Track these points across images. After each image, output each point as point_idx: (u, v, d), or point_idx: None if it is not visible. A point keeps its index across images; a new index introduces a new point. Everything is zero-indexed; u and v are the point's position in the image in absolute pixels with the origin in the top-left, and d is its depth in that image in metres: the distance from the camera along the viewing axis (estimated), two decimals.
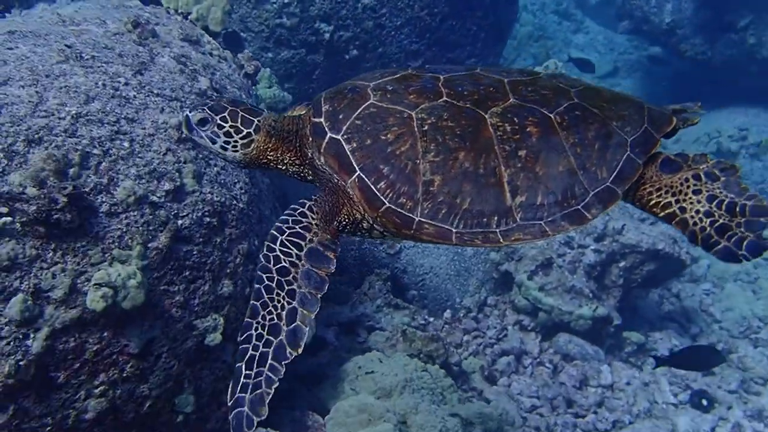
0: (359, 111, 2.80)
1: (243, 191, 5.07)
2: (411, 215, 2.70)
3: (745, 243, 2.74)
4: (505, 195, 2.70)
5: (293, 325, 2.61)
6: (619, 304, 7.96)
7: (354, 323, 7.36)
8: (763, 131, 12.97)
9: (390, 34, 10.42)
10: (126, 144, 4.27)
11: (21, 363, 3.59)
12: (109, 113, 4.29)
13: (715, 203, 2.82)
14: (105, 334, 3.94)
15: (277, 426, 5.36)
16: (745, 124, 13.27)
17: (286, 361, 2.56)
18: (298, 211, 2.83)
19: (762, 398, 7.51)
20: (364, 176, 2.73)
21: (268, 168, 3.10)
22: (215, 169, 4.85)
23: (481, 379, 7.31)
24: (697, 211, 2.84)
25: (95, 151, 4.09)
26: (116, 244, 4.01)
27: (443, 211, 2.69)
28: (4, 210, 3.60)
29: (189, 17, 6.33)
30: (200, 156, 4.74)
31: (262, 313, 2.61)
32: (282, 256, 2.70)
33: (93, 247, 3.91)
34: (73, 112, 4.12)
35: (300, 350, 2.60)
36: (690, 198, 2.86)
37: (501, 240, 2.72)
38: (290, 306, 2.63)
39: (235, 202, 4.88)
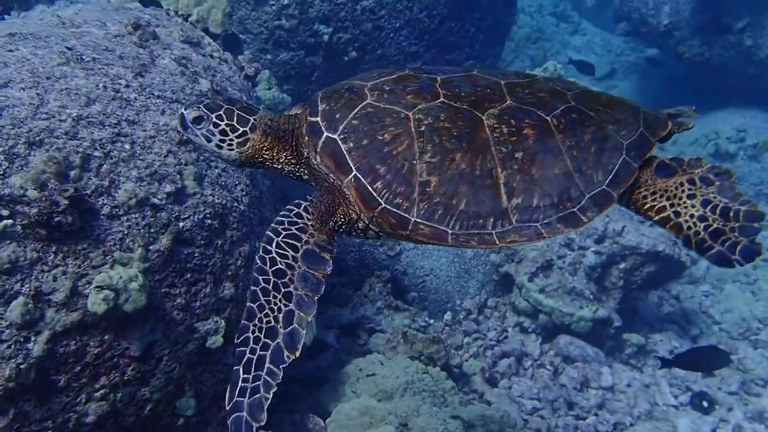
0: (356, 111, 2.79)
1: (244, 193, 5.06)
2: (407, 216, 2.70)
3: (738, 248, 2.78)
4: (501, 197, 2.70)
5: (290, 327, 2.61)
6: (619, 306, 7.96)
7: (354, 325, 7.35)
8: (760, 133, 12.99)
9: (389, 36, 10.42)
10: (127, 146, 4.25)
11: (22, 366, 3.57)
12: (110, 115, 4.28)
13: (709, 208, 2.85)
14: (106, 337, 3.92)
15: (278, 429, 5.35)
16: (742, 125, 13.29)
17: (284, 365, 2.56)
18: (294, 212, 2.82)
19: (762, 400, 7.51)
20: (360, 176, 2.72)
21: (264, 167, 3.09)
22: (216, 171, 4.84)
23: (482, 381, 7.30)
24: (692, 216, 2.86)
25: (96, 154, 4.07)
26: (117, 246, 3.99)
27: (439, 212, 2.69)
28: (5, 212, 3.58)
29: (189, 19, 6.31)
30: (201, 158, 4.72)
31: (258, 315, 2.60)
32: (278, 258, 2.69)
33: (94, 250, 3.89)
34: (74, 114, 4.10)
35: (297, 353, 2.60)
36: (684, 202, 2.88)
37: (497, 241, 2.72)
38: (287, 308, 2.62)
39: (236, 204, 4.87)
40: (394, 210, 2.70)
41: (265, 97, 7.89)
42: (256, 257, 2.72)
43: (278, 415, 5.62)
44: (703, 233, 2.84)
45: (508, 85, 2.91)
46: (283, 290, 2.65)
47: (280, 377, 2.55)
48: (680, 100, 14.25)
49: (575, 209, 2.76)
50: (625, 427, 7.13)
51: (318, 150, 2.81)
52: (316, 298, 2.68)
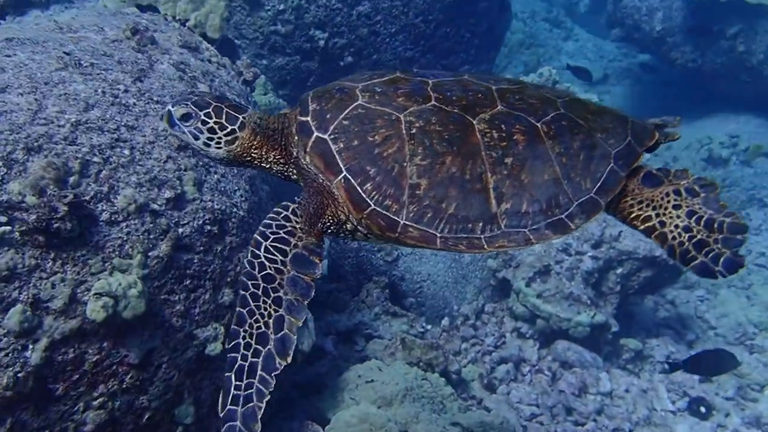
0: (347, 111, 2.78)
1: (243, 199, 5.03)
2: (396, 218, 2.69)
3: (722, 259, 2.81)
4: (490, 201, 2.71)
5: (281, 333, 2.60)
6: (616, 311, 7.95)
7: (352, 331, 7.33)
8: (753, 138, 13.06)
9: (384, 41, 10.42)
10: (126, 152, 4.22)
11: (19, 375, 3.53)
12: (108, 121, 4.25)
13: (694, 219, 2.88)
14: (105, 344, 3.89)
15: None
16: (735, 131, 13.36)
17: (276, 372, 2.55)
18: (282, 215, 2.80)
19: (759, 405, 7.51)
20: (350, 177, 2.71)
21: (252, 166, 3.06)
22: (215, 176, 4.81)
23: (481, 387, 7.28)
24: (677, 226, 2.89)
25: (95, 159, 4.04)
26: (117, 253, 3.96)
27: (429, 215, 2.68)
28: (4, 219, 3.55)
29: (187, 24, 6.29)
30: (200, 163, 4.70)
31: (249, 321, 2.59)
32: (267, 263, 2.68)
33: (93, 256, 3.85)
34: (73, 119, 4.07)
35: (289, 359, 2.59)
36: (670, 212, 2.91)
37: (485, 246, 2.73)
38: (277, 314, 2.61)
39: (235, 209, 4.84)
40: (384, 212, 2.69)
41: (261, 103, 7.87)
42: (245, 261, 2.70)
43: (277, 422, 5.59)
44: (687, 244, 2.87)
45: (499, 91, 2.92)
46: (272, 295, 2.64)
47: (273, 385, 2.53)
48: (673, 106, 14.36)
49: (563, 216, 2.78)
50: None
51: (308, 150, 2.79)
52: (306, 302, 2.67)
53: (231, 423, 2.47)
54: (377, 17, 10.24)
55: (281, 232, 2.75)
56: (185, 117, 2.90)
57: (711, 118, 13.88)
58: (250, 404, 2.49)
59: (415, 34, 10.62)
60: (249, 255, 2.70)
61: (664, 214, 2.91)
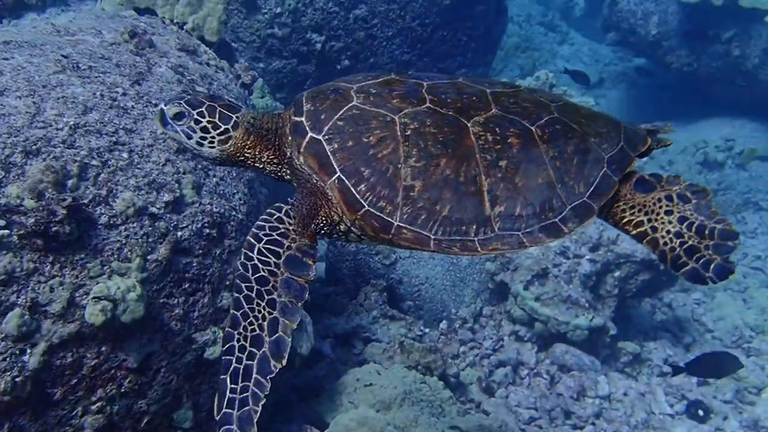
0: (342, 112, 2.77)
1: (242, 202, 5.02)
2: (390, 219, 2.68)
3: (712, 266, 2.82)
4: (484, 204, 2.70)
5: (275, 336, 2.58)
6: (614, 314, 7.95)
7: (350, 335, 7.31)
8: (748, 141, 13.12)
9: (381, 45, 10.43)
10: (125, 155, 4.21)
11: (17, 379, 3.52)
12: (107, 124, 4.24)
13: (685, 224, 2.89)
14: (103, 348, 3.87)
15: None
16: (731, 134, 13.42)
17: (271, 375, 2.54)
18: (275, 216, 2.79)
19: (757, 408, 7.51)
20: (344, 178, 2.70)
21: (245, 166, 3.05)
22: (214, 179, 4.80)
23: (479, 390, 7.26)
24: (668, 231, 2.91)
25: (94, 162, 4.03)
26: (115, 256, 3.94)
27: (422, 217, 2.68)
28: (2, 223, 3.53)
29: (185, 27, 6.28)
30: (199, 166, 4.69)
31: (243, 323, 2.58)
32: (260, 265, 2.67)
33: (92, 260, 3.84)
34: (71, 122, 4.06)
35: (284, 362, 2.58)
36: (662, 218, 2.93)
37: (479, 249, 2.72)
38: (271, 316, 2.60)
39: (234, 213, 4.83)
40: (377, 213, 2.69)
41: (259, 106, 7.86)
42: (238, 263, 2.69)
43: (275, 425, 5.57)
44: (678, 249, 2.88)
45: (494, 94, 2.92)
46: (266, 298, 2.63)
47: (268, 388, 2.53)
48: (668, 110, 14.41)
49: (557, 220, 2.78)
50: None
51: (301, 150, 2.79)
52: (300, 304, 2.66)
53: (227, 426, 2.46)
54: (374, 20, 10.25)
55: (274, 234, 2.74)
56: (178, 116, 2.88)
57: (706, 121, 13.93)
58: (246, 408, 2.48)
59: (411, 37, 10.63)
60: (242, 257, 2.70)
61: (656, 220, 2.93)
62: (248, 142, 2.95)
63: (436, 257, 8.22)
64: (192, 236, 4.40)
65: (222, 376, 2.53)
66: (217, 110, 2.92)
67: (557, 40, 19.32)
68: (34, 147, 3.82)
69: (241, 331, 2.58)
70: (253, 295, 2.62)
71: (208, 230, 4.51)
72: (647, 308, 8.78)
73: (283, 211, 2.80)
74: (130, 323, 3.88)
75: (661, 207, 2.93)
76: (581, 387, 7.36)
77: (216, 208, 4.63)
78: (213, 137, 2.91)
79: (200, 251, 4.45)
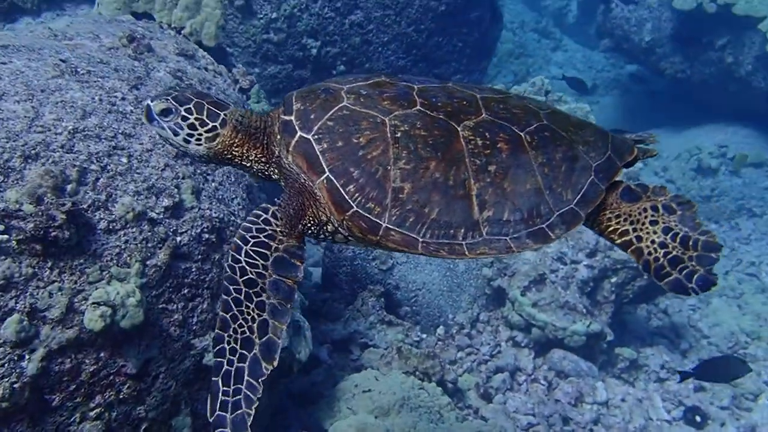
0: (332, 112, 2.77)
1: (241, 207, 5.00)
2: (378, 221, 2.68)
3: (695, 276, 2.85)
4: (473, 208, 2.71)
5: (266, 337, 2.59)
6: (611, 320, 7.96)
7: (347, 340, 7.29)
8: (741, 148, 13.20)
9: (377, 50, 10.44)
10: (124, 159, 4.18)
11: (15, 385, 3.47)
12: (106, 128, 4.21)
13: (670, 235, 2.92)
14: (102, 354, 3.83)
15: None
16: (724, 141, 13.49)
17: (263, 377, 2.55)
18: (262, 218, 2.78)
19: (754, 414, 7.52)
20: (333, 178, 2.69)
21: (232, 164, 3.03)
22: (213, 184, 4.78)
23: (477, 396, 7.24)
24: (653, 241, 2.93)
25: (93, 167, 4.00)
26: (114, 261, 3.91)
27: (411, 220, 2.68)
28: (1, 227, 3.50)
29: (182, 32, 6.26)
30: (198, 171, 4.66)
31: (233, 326, 2.59)
32: (248, 268, 2.67)
33: (91, 265, 3.81)
34: (70, 127, 4.03)
35: (275, 363, 2.59)
36: (647, 228, 2.95)
37: (466, 253, 2.73)
38: (261, 318, 2.61)
39: (233, 218, 4.80)
40: (366, 214, 2.68)
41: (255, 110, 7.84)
42: (225, 265, 2.69)
43: (276, 430, 5.54)
44: (662, 259, 2.90)
45: (484, 99, 2.93)
46: (255, 300, 2.63)
47: (260, 391, 2.54)
48: (662, 116, 14.47)
49: (544, 226, 2.79)
50: None
51: (290, 149, 2.77)
52: (289, 305, 2.66)
53: (221, 430, 2.48)
54: (370, 26, 10.27)
55: (261, 236, 2.74)
56: (165, 112, 2.85)
57: (700, 128, 14.00)
58: (239, 411, 2.49)
59: (407, 43, 10.65)
60: (229, 259, 2.69)
61: (641, 229, 2.94)
62: (236, 140, 2.94)
63: (433, 262, 8.21)
64: (191, 241, 4.37)
65: (214, 378, 2.54)
66: (205, 107, 2.90)
67: (551, 46, 19.43)
68: (32, 151, 3.79)
69: (231, 333, 2.58)
70: (242, 297, 2.63)
71: (207, 235, 4.48)
72: (643, 314, 8.79)
73: (270, 212, 2.80)
74: (129, 329, 3.84)
75: (646, 217, 2.95)
76: (579, 393, 7.36)
77: (215, 213, 4.61)
78: (200, 134, 2.89)
79: (199, 256, 4.42)
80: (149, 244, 4.10)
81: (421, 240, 2.69)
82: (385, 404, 5.66)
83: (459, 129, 2.76)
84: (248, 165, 3.01)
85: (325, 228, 2.84)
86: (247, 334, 2.58)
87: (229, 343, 2.57)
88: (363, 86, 2.88)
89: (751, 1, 12.11)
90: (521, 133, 2.83)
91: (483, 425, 6.11)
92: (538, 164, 2.80)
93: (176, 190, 4.38)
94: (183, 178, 4.46)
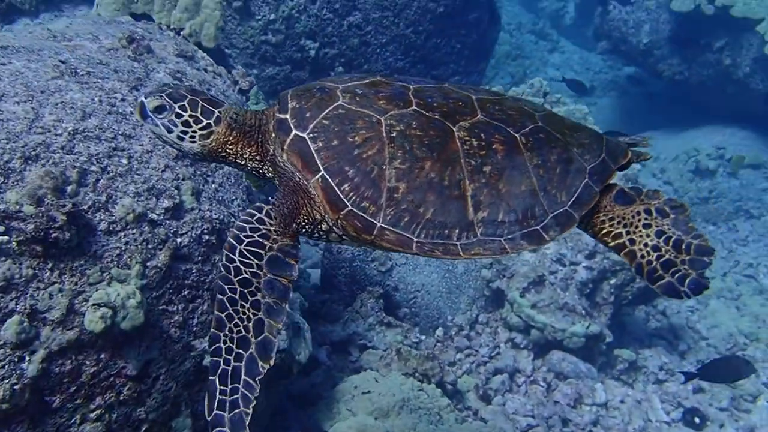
0: (327, 111, 2.76)
1: (240, 208, 4.99)
2: (373, 220, 2.68)
3: (687, 280, 2.84)
4: (467, 209, 2.71)
5: (261, 336, 2.59)
6: (610, 322, 7.96)
7: (346, 342, 7.29)
8: (739, 150, 13.21)
9: (375, 52, 10.44)
10: (124, 161, 4.17)
11: (16, 387, 3.46)
12: (106, 129, 4.20)
13: (663, 239, 2.92)
14: (102, 355, 3.83)
15: None
16: (722, 142, 13.49)
17: (260, 376, 2.55)
18: (255, 217, 2.77)
19: (753, 416, 7.53)
20: (327, 177, 2.69)
21: (226, 162, 3.01)
22: (213, 186, 4.77)
23: (476, 398, 7.24)
24: (646, 245, 2.93)
25: (93, 168, 3.99)
26: (115, 263, 3.91)
27: (406, 219, 2.68)
28: (1, 229, 3.49)
29: (181, 33, 6.25)
30: (198, 173, 4.66)
31: (228, 325, 2.58)
32: (242, 267, 2.66)
33: (91, 267, 3.80)
34: (70, 128, 4.02)
35: (272, 362, 2.58)
36: (640, 231, 2.95)
37: (461, 253, 2.73)
38: (256, 317, 2.60)
39: (233, 219, 4.80)
40: (360, 214, 2.68)
41: None
42: (220, 265, 2.68)
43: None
44: (655, 263, 2.90)
45: (479, 100, 2.93)
46: (250, 299, 2.62)
47: (258, 390, 2.53)
48: (659, 118, 14.48)
49: (538, 227, 2.80)
50: None
51: (285, 147, 2.77)
52: (285, 304, 2.65)
53: (220, 429, 2.47)
54: (368, 27, 10.26)
55: (255, 235, 2.72)
56: (159, 109, 2.83)
57: (698, 130, 14.01)
58: (237, 410, 2.49)
59: (405, 44, 10.65)
60: (223, 259, 2.68)
61: (634, 232, 2.95)
62: (230, 138, 2.92)
63: (432, 264, 8.21)
64: (191, 243, 4.37)
65: (211, 377, 2.53)
66: (199, 104, 2.88)
67: (548, 48, 19.46)
68: (33, 153, 3.78)
69: (227, 333, 2.58)
70: (237, 296, 2.62)
71: (207, 237, 4.47)
72: (641, 316, 8.80)
73: (264, 211, 2.78)
74: (129, 330, 3.84)
75: (639, 220, 2.96)
76: (578, 394, 7.36)
77: (215, 214, 4.60)
78: (194, 132, 2.87)
79: (199, 258, 4.41)
80: (149, 246, 4.09)
81: (415, 240, 2.69)
82: (385, 406, 5.66)
83: (454, 129, 2.77)
84: (242, 163, 2.99)
85: (319, 227, 2.84)
86: (243, 333, 2.58)
87: (225, 342, 2.56)
88: (359, 86, 2.87)
89: (749, 2, 12.13)
90: (516, 135, 2.84)
91: (482, 427, 6.11)
92: (533, 166, 2.80)
93: (176, 191, 4.37)
94: (183, 180, 4.45)
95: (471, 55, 11.62)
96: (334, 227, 2.79)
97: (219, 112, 2.91)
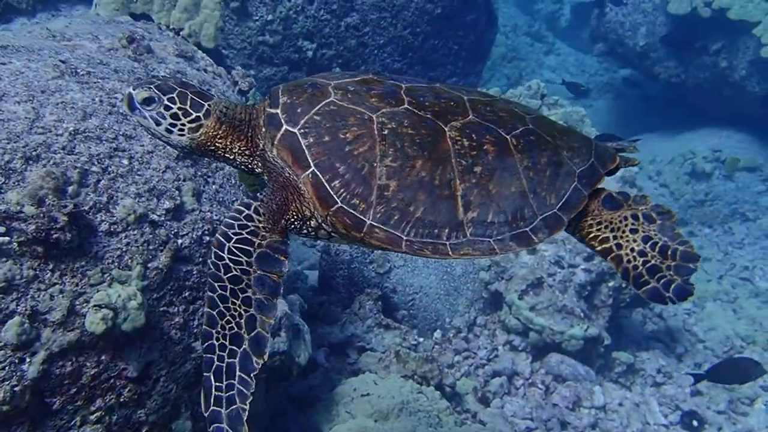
0: (319, 107, 2.74)
1: None
2: (363, 218, 2.67)
3: (672, 286, 2.86)
4: (457, 208, 2.71)
5: (254, 332, 2.59)
6: (608, 324, 7.96)
7: (344, 344, 7.27)
8: (735, 152, 13.25)
9: (373, 53, 10.44)
10: (125, 161, 4.15)
11: (16, 389, 3.44)
12: (107, 130, 4.18)
13: (649, 244, 2.93)
14: (103, 357, 3.80)
15: None
16: (718, 145, 13.52)
17: (254, 372, 2.55)
18: (244, 214, 2.75)
19: (750, 419, 7.55)
20: (318, 173, 2.67)
21: (215, 156, 2.98)
22: (214, 187, 4.75)
23: (475, 400, 7.23)
24: (632, 249, 2.94)
25: (94, 169, 3.97)
26: (116, 264, 3.88)
27: (395, 218, 2.67)
28: (2, 229, 3.46)
29: (181, 33, 6.23)
30: (199, 173, 4.64)
31: (220, 322, 2.58)
32: (232, 265, 2.65)
33: (92, 268, 3.78)
34: (71, 128, 4.00)
35: (266, 357, 2.59)
36: (627, 236, 2.96)
37: (450, 253, 2.73)
38: (248, 314, 2.60)
39: None
40: (350, 211, 2.67)
41: None
42: (209, 262, 2.66)
43: None
44: (641, 268, 2.91)
45: (471, 101, 2.94)
46: (241, 296, 2.62)
47: (253, 386, 2.54)
48: (655, 120, 14.51)
49: (527, 229, 2.81)
50: None
51: (275, 142, 2.75)
52: (275, 300, 2.65)
53: (217, 425, 2.49)
54: (366, 29, 10.26)
55: (244, 232, 2.70)
56: (147, 101, 2.79)
57: (694, 132, 14.04)
58: (234, 406, 2.50)
59: (403, 45, 10.65)
60: (212, 256, 2.66)
61: (621, 237, 2.95)
62: (220, 132, 2.89)
63: (430, 266, 8.20)
64: (192, 244, 4.35)
65: (205, 374, 2.54)
66: (189, 97, 2.85)
67: (543, 50, 19.51)
68: (34, 153, 3.76)
69: (219, 330, 2.58)
70: (227, 294, 2.61)
71: (208, 238, 4.45)
72: (638, 318, 8.81)
73: (252, 208, 2.76)
74: (130, 332, 3.82)
75: (626, 225, 2.96)
76: (577, 397, 7.35)
77: (216, 215, 4.58)
78: (183, 125, 2.84)
79: (200, 259, 4.40)
80: (150, 247, 4.07)
81: (405, 238, 2.69)
82: (384, 408, 5.65)
83: (446, 129, 2.77)
84: (231, 158, 2.97)
85: (308, 223, 2.83)
86: (236, 329, 2.57)
87: (218, 339, 2.56)
88: (350, 83, 2.86)
89: (745, 5, 12.16)
90: (507, 136, 2.84)
91: (481, 429, 6.10)
92: (524, 168, 2.81)
93: (177, 192, 4.35)
94: (184, 181, 4.43)
95: (468, 56, 11.63)
96: (323, 224, 2.78)
97: (208, 105, 2.88)
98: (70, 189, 3.79)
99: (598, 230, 2.98)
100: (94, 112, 4.21)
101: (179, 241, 4.26)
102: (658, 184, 13.18)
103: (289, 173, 2.74)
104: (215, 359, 2.55)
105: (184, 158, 4.51)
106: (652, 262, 2.90)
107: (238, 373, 2.53)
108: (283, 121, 2.74)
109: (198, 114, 2.85)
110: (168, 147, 4.26)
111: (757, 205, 12.54)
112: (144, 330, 3.93)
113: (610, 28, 14.81)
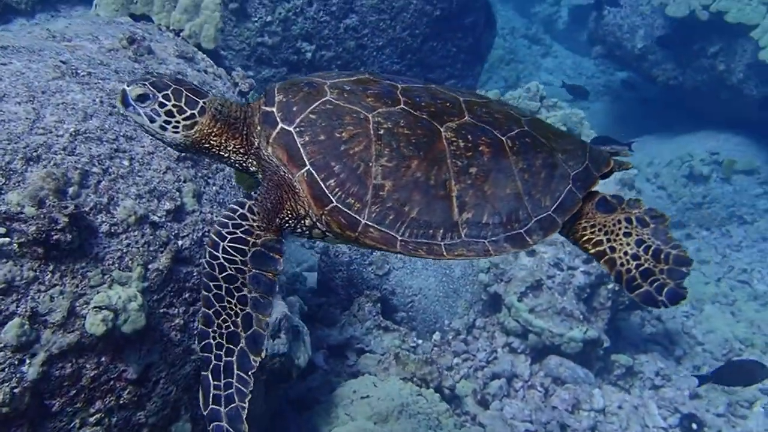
0: (315, 106, 2.74)
1: None
2: (357, 217, 2.67)
3: (665, 290, 2.86)
4: (452, 209, 2.71)
5: (251, 331, 2.59)
6: (607, 327, 7.96)
7: (343, 346, 7.26)
8: (733, 155, 13.26)
9: (372, 55, 10.43)
10: (126, 162, 4.14)
11: (16, 390, 3.42)
12: (107, 131, 4.17)
13: (642, 247, 2.94)
14: (103, 359, 3.79)
15: None
16: (716, 148, 13.53)
17: (252, 370, 2.55)
18: (238, 213, 2.74)
19: (749, 422, 7.55)
20: (313, 171, 2.67)
21: (209, 154, 2.97)
22: (214, 188, 4.74)
23: (474, 403, 7.22)
24: (626, 253, 2.95)
25: (95, 170, 3.95)
26: (116, 265, 3.87)
27: (390, 218, 2.67)
28: (2, 230, 3.45)
29: (181, 34, 6.22)
30: (199, 175, 4.63)
31: (216, 321, 2.58)
32: (227, 264, 2.65)
33: (92, 269, 3.76)
34: (72, 129, 3.98)
35: (263, 355, 2.59)
36: (620, 239, 2.97)
37: (445, 253, 2.73)
38: (244, 312, 2.60)
39: None
40: (345, 210, 2.67)
41: None
42: (204, 262, 2.66)
43: None
44: (634, 271, 2.92)
45: (467, 102, 2.94)
46: (236, 295, 2.62)
47: (251, 384, 2.54)
48: (653, 123, 14.53)
49: (522, 231, 2.81)
50: None
51: (271, 141, 2.75)
52: (271, 298, 2.65)
53: (217, 423, 2.49)
54: (364, 30, 10.26)
55: (238, 231, 2.70)
56: (142, 98, 2.78)
57: (692, 135, 14.05)
58: (233, 404, 2.49)
59: (401, 47, 10.65)
60: (207, 256, 2.66)
61: (615, 240, 2.96)
62: (214, 129, 2.88)
63: (430, 268, 8.19)
64: (193, 245, 4.34)
65: (203, 373, 2.54)
66: (184, 94, 2.84)
67: (541, 52, 19.54)
68: (34, 154, 3.74)
69: (216, 329, 2.58)
70: (223, 293, 2.61)
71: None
72: (637, 321, 8.81)
73: (246, 207, 2.75)
74: (130, 333, 3.80)
75: (620, 228, 2.97)
76: (576, 400, 7.35)
77: (216, 216, 4.57)
78: (178, 122, 2.83)
79: (201, 260, 4.38)
80: (151, 248, 4.06)
81: (399, 238, 2.68)
82: (384, 411, 5.64)
83: (442, 130, 2.77)
84: (226, 156, 2.96)
85: (303, 222, 2.82)
86: (232, 328, 2.58)
87: (214, 338, 2.56)
88: (347, 82, 2.86)
89: (743, 8, 12.18)
90: (503, 138, 2.85)
91: None
92: (519, 169, 2.81)
93: (178, 193, 4.34)
94: (184, 182, 4.42)
95: (467, 58, 11.63)
96: (317, 223, 2.78)
97: (203, 102, 2.87)
98: (70, 190, 3.77)
99: (592, 233, 3.00)
100: (95, 112, 4.20)
101: (180, 243, 4.25)
102: (655, 187, 13.19)
103: (284, 172, 2.74)
104: (212, 358, 2.55)
105: (185, 159, 4.49)
106: (645, 265, 2.91)
107: (236, 371, 2.53)
108: (278, 119, 2.74)
109: (193, 111, 2.84)
110: (168, 148, 4.25)
111: (754, 208, 12.56)
112: (144, 332, 3.91)
113: (608, 31, 14.83)
